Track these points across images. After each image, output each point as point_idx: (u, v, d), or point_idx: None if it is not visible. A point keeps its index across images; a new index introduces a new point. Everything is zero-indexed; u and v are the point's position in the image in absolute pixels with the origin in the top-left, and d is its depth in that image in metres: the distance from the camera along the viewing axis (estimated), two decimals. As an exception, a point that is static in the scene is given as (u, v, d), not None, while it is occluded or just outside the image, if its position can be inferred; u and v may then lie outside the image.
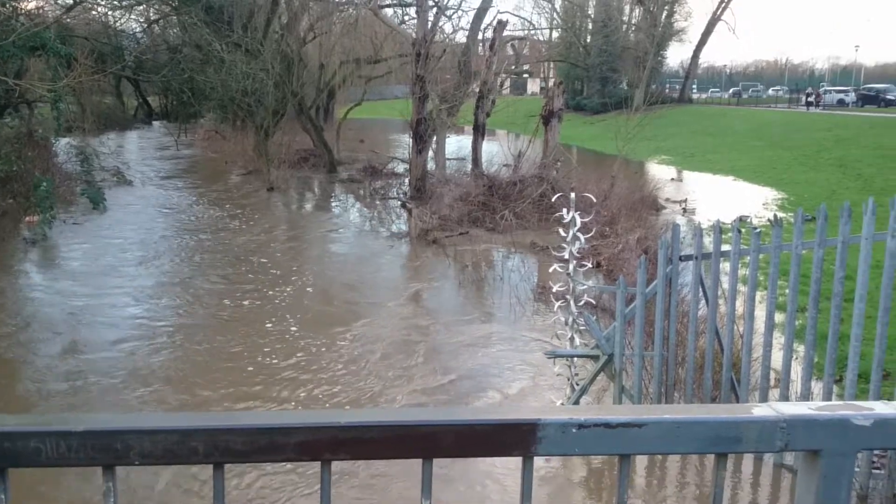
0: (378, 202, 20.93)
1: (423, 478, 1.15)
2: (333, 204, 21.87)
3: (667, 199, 19.75)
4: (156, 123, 43.64)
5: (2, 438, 1.01)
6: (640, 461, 6.15)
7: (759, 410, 1.15)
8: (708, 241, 8.24)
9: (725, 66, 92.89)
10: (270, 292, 11.51)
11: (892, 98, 46.73)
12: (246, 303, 10.97)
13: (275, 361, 8.56)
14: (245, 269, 13.11)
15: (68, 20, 22.98)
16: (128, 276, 12.50)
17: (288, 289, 11.75)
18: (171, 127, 36.48)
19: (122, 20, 31.11)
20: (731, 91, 70.76)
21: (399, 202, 20.04)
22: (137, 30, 32.85)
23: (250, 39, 24.98)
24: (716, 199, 20.66)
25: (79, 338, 9.35)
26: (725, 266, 6.89)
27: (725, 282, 6.91)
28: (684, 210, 18.71)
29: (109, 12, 28.97)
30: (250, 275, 12.65)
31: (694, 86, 65.39)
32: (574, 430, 1.11)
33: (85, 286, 11.72)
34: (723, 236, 6.44)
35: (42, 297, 11.25)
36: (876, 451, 5.29)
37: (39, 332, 9.54)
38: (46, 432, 1.02)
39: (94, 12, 27.72)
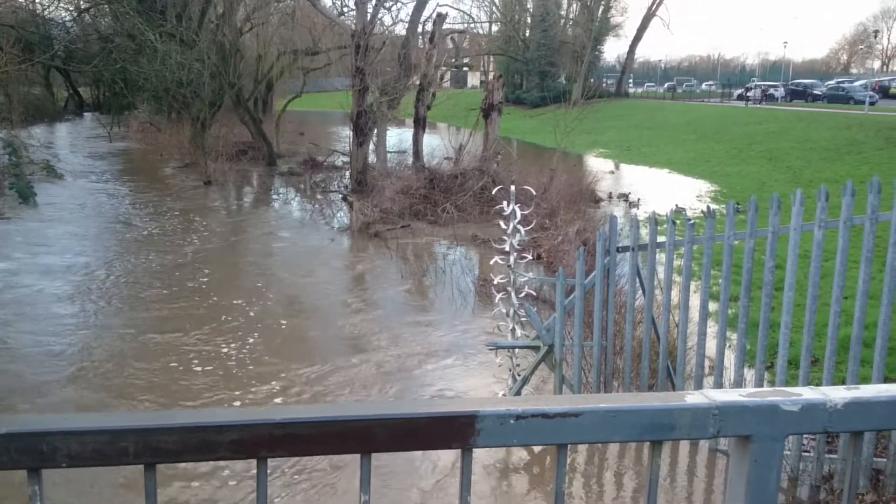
0: (319, 195, 20.71)
1: (362, 473, 1.14)
2: (273, 197, 21.56)
3: (609, 195, 20.06)
4: (87, 115, 42.24)
5: None
6: (581, 450, 6.25)
7: (692, 398, 1.18)
8: (644, 233, 8.42)
9: (660, 60, 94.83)
10: (196, 290, 11.29)
11: (819, 93, 48.39)
12: (170, 296, 10.76)
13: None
14: (177, 266, 12.82)
15: (-7, 8, 22.08)
16: (51, 274, 12.10)
17: (219, 282, 11.56)
18: (103, 119, 35.38)
19: (51, 8, 30.07)
20: (665, 85, 72.28)
21: (340, 195, 19.88)
22: (67, 18, 31.77)
23: (185, 29, 24.41)
24: (652, 191, 21.09)
25: None
26: (661, 257, 7.05)
27: (661, 272, 7.07)
28: (630, 204, 18.86)
29: (37, 0, 27.97)
30: (180, 274, 12.39)
31: (630, 80, 66.56)
32: (512, 421, 1.11)
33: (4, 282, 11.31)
34: (658, 228, 6.58)
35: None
36: (805, 435, 5.50)
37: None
38: None
39: (21, 0, 26.72)
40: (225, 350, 8.63)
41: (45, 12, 29.56)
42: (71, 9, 31.75)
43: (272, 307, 10.31)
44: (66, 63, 29.32)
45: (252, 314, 9.94)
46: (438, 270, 12.47)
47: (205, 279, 11.71)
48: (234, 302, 10.41)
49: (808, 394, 1.19)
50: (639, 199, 19.20)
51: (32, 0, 27.78)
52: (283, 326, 9.59)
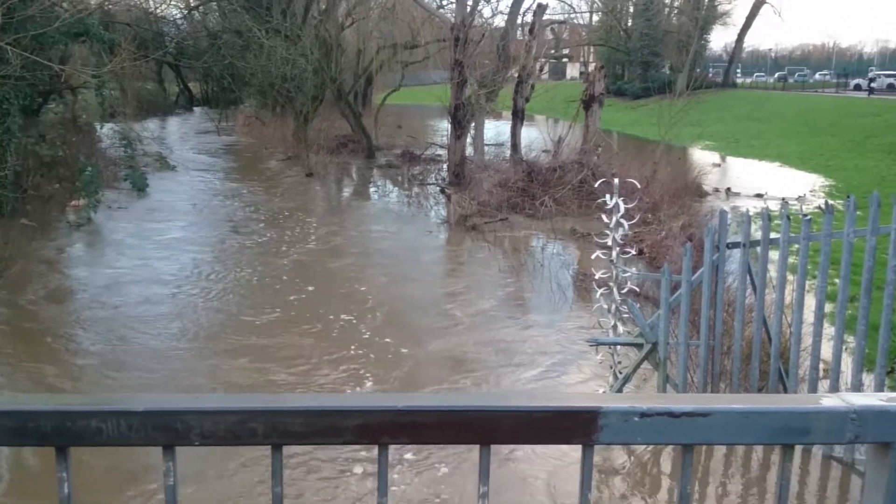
0: (416, 188, 20.92)
1: (481, 464, 1.14)
2: (372, 189, 21.95)
3: (718, 189, 19.40)
4: (197, 109, 44.09)
5: (63, 418, 1.01)
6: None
7: (829, 401, 1.12)
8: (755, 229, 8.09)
9: (770, 49, 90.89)
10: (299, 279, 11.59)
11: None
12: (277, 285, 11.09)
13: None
14: (279, 269, 13.23)
15: (110, 7, 23.30)
16: (170, 257, 12.70)
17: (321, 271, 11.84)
18: (211, 113, 36.88)
19: (163, 6, 31.50)
20: (776, 75, 69.20)
21: (438, 188, 20.02)
22: (178, 16, 33.22)
23: (289, 25, 25.08)
24: (762, 185, 20.26)
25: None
26: (772, 255, 6.75)
27: (772, 270, 6.78)
28: (758, 196, 18.02)
29: (150, -1, 29.39)
30: (283, 265, 12.75)
31: (738, 70, 64.11)
32: (636, 419, 1.09)
33: (130, 270, 11.93)
34: (769, 223, 6.30)
35: (86, 280, 11.49)
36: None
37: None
38: (107, 412, 1.02)
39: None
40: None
41: (158, 10, 30.97)
42: (181, 6, 33.20)
43: (380, 327, 9.46)
44: (177, 59, 30.62)
45: (365, 334, 9.15)
46: (536, 265, 12.38)
47: (310, 287, 11.13)
48: (343, 317, 9.73)
49: None
50: (766, 193, 18.31)
51: (145, -1, 29.21)
52: (388, 343, 8.88)
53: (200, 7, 33.58)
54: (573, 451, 5.80)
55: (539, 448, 5.86)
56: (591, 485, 1.15)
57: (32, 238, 13.68)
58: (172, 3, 32.08)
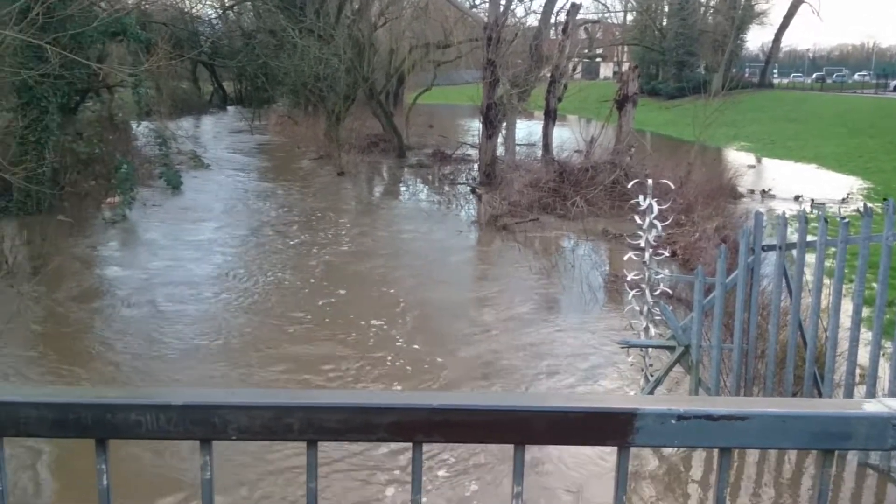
0: (447, 187, 20.93)
1: (515, 464, 1.13)
2: (402, 189, 21.99)
3: (750, 191, 19.13)
4: (230, 108, 44.53)
5: (104, 410, 1.03)
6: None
7: (870, 406, 1.10)
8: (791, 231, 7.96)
9: (808, 49, 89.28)
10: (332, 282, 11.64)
11: None
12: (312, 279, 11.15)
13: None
14: (314, 253, 13.31)
15: (146, 6, 23.64)
16: (203, 258, 12.81)
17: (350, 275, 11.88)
18: (245, 112, 37.23)
19: (198, 6, 31.87)
20: (814, 76, 68.02)
21: (468, 188, 20.01)
22: (213, 16, 33.60)
23: (323, 25, 25.23)
24: (798, 187, 19.94)
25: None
26: (807, 257, 6.64)
27: (807, 273, 6.66)
28: (796, 199, 17.64)
29: (185, -1, 29.74)
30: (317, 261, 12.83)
31: (775, 70, 63.17)
32: (673, 421, 1.08)
33: (162, 271, 12.05)
34: (805, 226, 6.19)
35: (120, 276, 11.67)
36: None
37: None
38: (147, 405, 1.03)
39: (170, -1, 28.49)
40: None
41: (193, 10, 31.35)
42: (216, 6, 33.59)
43: (413, 333, 9.28)
44: (212, 58, 30.95)
45: (398, 340, 8.97)
46: (567, 266, 12.31)
47: (342, 291, 10.95)
48: (374, 322, 9.55)
49: None
50: (802, 196, 17.95)
51: (181, -1, 29.55)
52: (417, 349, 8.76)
53: (235, 7, 33.93)
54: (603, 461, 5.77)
55: (568, 460, 5.83)
56: (626, 487, 1.15)
57: (69, 234, 13.93)
58: (208, 2, 32.49)
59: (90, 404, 1.03)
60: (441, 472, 5.91)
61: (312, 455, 1.09)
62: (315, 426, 1.05)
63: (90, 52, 16.60)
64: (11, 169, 12.88)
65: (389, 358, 8.29)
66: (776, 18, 56.08)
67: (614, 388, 7.49)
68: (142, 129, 23.05)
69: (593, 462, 5.85)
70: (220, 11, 33.69)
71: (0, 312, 8.79)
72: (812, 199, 17.26)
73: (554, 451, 5.87)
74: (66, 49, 13.54)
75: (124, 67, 18.05)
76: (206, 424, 1.03)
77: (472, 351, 8.61)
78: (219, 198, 18.59)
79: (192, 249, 13.25)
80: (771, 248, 6.22)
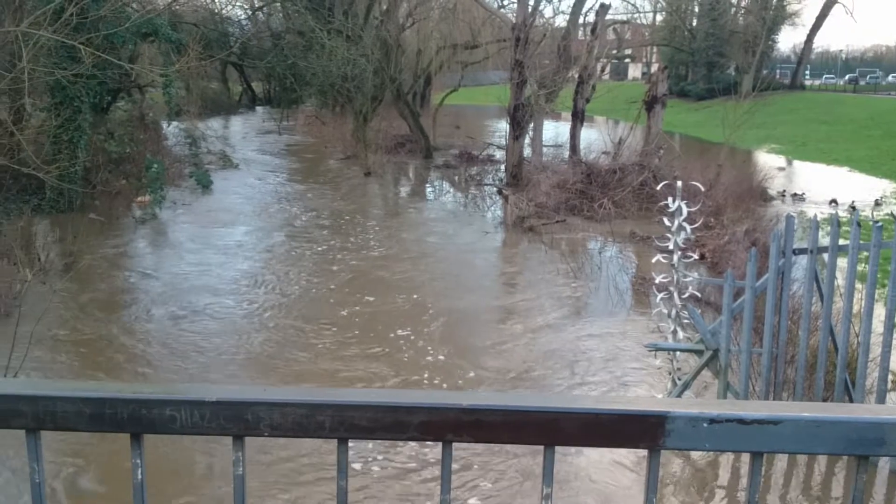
0: (473, 188, 20.91)
1: (545, 465, 1.13)
2: (428, 190, 22.01)
3: (783, 192, 18.87)
4: (259, 109, 44.88)
5: (139, 406, 1.04)
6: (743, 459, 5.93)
7: None
8: (823, 235, 7.84)
9: (841, 51, 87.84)
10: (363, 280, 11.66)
11: None
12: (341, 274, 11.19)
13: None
14: (342, 254, 13.36)
15: (177, 7, 23.91)
16: (229, 263, 12.80)
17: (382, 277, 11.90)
18: (273, 112, 37.50)
19: (228, 7, 32.17)
20: (846, 77, 66.97)
21: (495, 189, 19.98)
22: (242, 17, 33.91)
23: (351, 25, 25.36)
24: (829, 190, 19.65)
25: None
26: (839, 261, 6.53)
27: (839, 278, 6.56)
28: (832, 204, 17.28)
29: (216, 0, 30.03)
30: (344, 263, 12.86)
31: (807, 72, 62.20)
32: (705, 425, 1.08)
33: (188, 275, 12.06)
34: (837, 229, 6.10)
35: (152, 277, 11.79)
36: None
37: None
38: (181, 401, 1.05)
39: (200, 0, 28.77)
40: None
41: (223, 11, 31.64)
42: (246, 7, 33.88)
43: (440, 342, 9.05)
44: (241, 59, 31.20)
45: (427, 353, 8.73)
46: (594, 268, 12.24)
47: (370, 297, 10.78)
48: (400, 332, 9.35)
49: None
50: (834, 199, 17.58)
51: (211, 0, 29.81)
52: (441, 359, 8.54)
53: (264, 8, 34.21)
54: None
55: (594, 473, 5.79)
56: (656, 489, 1.14)
57: (100, 232, 14.11)
58: (237, 3, 32.78)
59: (126, 399, 1.05)
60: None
61: (343, 452, 1.10)
62: (346, 424, 1.05)
63: (122, 52, 16.81)
64: (45, 167, 13.12)
65: (426, 377, 7.99)
66: (808, 19, 55.43)
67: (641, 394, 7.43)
68: (172, 129, 23.29)
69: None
70: (250, 12, 33.99)
71: (33, 310, 8.90)
72: (851, 203, 16.88)
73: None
74: (99, 49, 13.76)
75: (155, 67, 18.28)
76: (239, 421, 1.05)
77: (505, 363, 8.39)
78: (247, 198, 18.73)
79: (220, 253, 13.20)
80: (802, 251, 6.13)
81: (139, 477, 1.09)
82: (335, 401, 1.06)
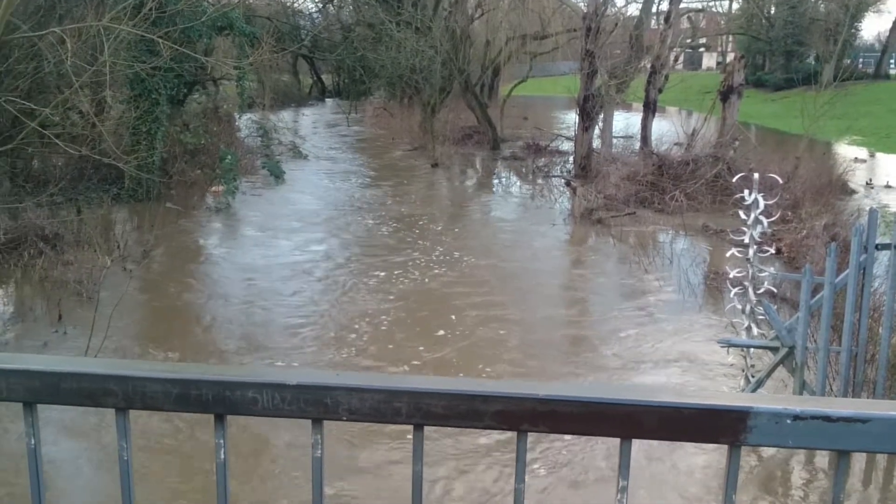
0: (541, 180, 20.73)
1: (621, 458, 1.12)
2: (495, 181, 21.92)
3: (869, 182, 18.14)
4: (328, 101, 45.46)
5: (223, 387, 1.07)
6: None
7: None
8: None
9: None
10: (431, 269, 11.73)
11: None
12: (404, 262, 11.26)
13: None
14: (408, 243, 13.45)
15: (251, 1, 24.41)
16: (302, 244, 13.11)
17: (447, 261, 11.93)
18: (342, 104, 37.97)
19: (300, 1, 32.69)
20: (935, 66, 63.76)
21: (563, 180, 19.78)
22: (313, 10, 34.41)
23: (420, 17, 25.42)
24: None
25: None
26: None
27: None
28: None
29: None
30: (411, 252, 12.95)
31: (892, 61, 59.49)
32: (789, 421, 1.05)
33: (264, 251, 12.43)
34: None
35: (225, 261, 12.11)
36: None
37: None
38: (263, 383, 1.07)
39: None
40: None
41: (295, 4, 32.16)
42: (317, 0, 34.39)
43: (516, 348, 8.66)
44: (312, 52, 31.66)
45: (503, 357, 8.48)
46: (665, 261, 12.00)
47: (434, 284, 10.81)
48: (437, 335, 8.98)
49: None
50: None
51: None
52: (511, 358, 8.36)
53: (335, 1, 34.63)
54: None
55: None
56: (735, 486, 1.12)
57: (176, 221, 14.57)
58: (308, -3, 33.28)
59: (211, 381, 1.08)
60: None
61: (419, 439, 1.11)
62: (422, 411, 1.06)
63: (198, 45, 17.26)
64: (125, 158, 13.62)
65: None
66: (894, 6, 52.82)
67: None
68: (244, 121, 23.81)
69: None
70: (321, 5, 34.48)
71: (113, 293, 9.27)
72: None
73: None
74: (176, 43, 14.16)
75: (229, 60, 18.70)
76: (318, 405, 1.07)
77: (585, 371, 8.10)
78: (317, 189, 19.01)
79: (291, 252, 12.84)
80: (885, 246, 5.89)
81: (222, 457, 1.12)
82: (412, 388, 1.07)
